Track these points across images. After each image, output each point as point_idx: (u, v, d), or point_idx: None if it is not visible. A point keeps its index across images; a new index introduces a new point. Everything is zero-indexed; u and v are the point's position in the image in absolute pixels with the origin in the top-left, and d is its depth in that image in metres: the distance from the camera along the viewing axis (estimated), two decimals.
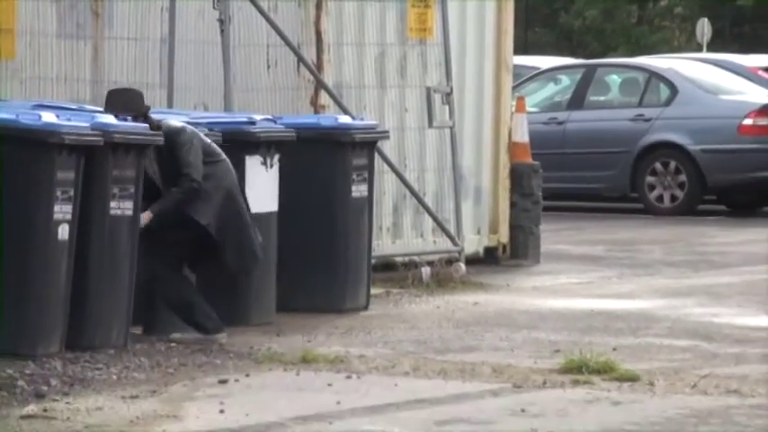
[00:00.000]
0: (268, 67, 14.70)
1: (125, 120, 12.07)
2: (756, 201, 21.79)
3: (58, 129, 10.68)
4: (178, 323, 11.76)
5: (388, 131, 14.20)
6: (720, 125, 21.44)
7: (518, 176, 16.54)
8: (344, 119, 13.78)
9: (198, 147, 12.15)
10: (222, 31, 14.10)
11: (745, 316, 13.20)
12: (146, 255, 12.03)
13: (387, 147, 14.29)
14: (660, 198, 21.93)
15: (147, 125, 12.17)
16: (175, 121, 12.37)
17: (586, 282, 15.55)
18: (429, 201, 15.36)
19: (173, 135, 12.04)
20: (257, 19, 14.31)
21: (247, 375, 10.29)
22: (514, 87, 17.80)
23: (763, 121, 20.42)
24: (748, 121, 20.98)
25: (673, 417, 9.34)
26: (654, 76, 23.16)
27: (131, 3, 15.17)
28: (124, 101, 12.40)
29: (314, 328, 11.99)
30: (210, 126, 12.41)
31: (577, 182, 20.92)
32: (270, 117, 12.98)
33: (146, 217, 11.72)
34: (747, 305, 13.72)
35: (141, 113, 12.15)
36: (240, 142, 12.31)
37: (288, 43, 14.42)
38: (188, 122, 12.74)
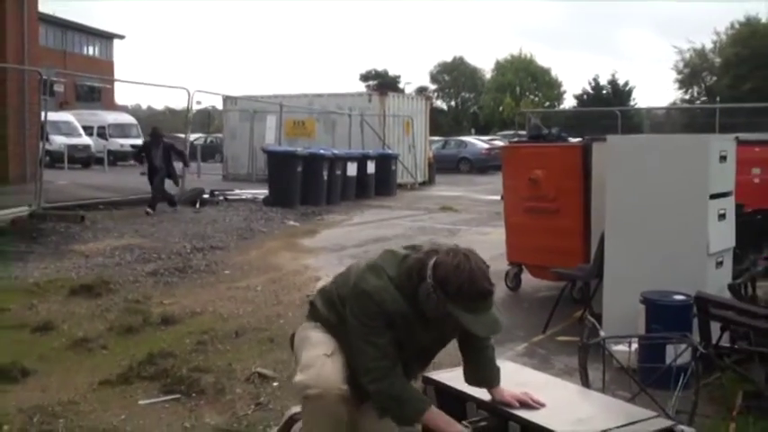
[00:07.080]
0: (370, 139, 13.94)
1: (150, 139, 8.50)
2: (482, 170, 19.18)
3: (323, 154, 10.23)
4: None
5: (399, 155, 13.54)
6: (477, 152, 20.06)
7: (430, 164, 15.91)
8: (390, 151, 13.20)
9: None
10: (362, 130, 13.72)
11: (478, 196, 12.29)
12: None
13: (400, 158, 13.66)
14: (464, 170, 19.96)
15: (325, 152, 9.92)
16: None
17: (447, 189, 14.59)
18: (410, 169, 14.71)
19: (175, 144, 8.78)
20: (369, 128, 13.77)
21: (367, 209, 9.96)
22: (430, 144, 17.00)
23: (486, 151, 19.20)
24: (484, 151, 19.73)
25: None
26: (461, 142, 21.27)
27: (337, 128, 14.23)
28: (152, 133, 8.45)
29: (383, 198, 11.51)
30: (358, 154, 11.57)
31: (444, 166, 19.33)
32: (372, 151, 12.34)
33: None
34: (477, 193, 12.73)
35: (157, 136, 8.32)
36: (367, 157, 11.63)
37: (376, 133, 13.93)
38: (345, 152, 10.83)
